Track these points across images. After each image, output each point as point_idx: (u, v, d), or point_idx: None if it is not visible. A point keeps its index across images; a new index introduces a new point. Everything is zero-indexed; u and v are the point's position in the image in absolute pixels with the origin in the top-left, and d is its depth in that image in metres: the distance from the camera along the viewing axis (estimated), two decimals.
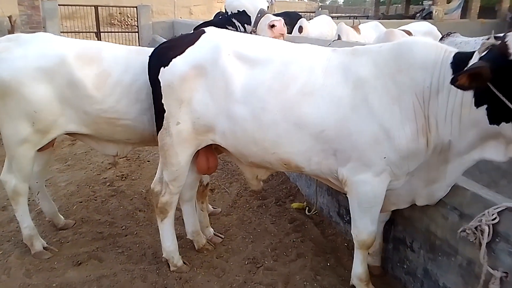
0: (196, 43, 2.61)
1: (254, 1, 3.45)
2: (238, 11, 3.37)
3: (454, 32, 7.30)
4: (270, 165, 2.69)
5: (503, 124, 1.95)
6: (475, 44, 6.55)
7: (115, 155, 3.31)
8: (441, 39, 7.29)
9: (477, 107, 2.02)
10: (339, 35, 7.57)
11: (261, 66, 2.51)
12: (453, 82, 1.89)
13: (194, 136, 2.69)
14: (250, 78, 2.49)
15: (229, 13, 3.45)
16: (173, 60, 2.58)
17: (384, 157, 2.27)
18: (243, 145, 2.60)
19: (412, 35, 5.92)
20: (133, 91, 2.95)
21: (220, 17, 3.45)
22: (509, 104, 1.85)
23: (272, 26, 3.29)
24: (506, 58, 1.80)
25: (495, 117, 1.97)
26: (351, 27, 8.02)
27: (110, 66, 2.96)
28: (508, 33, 1.84)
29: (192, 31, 3.11)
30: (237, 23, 3.49)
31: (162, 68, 2.60)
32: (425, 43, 2.26)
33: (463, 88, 1.90)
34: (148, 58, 2.82)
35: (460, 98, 2.07)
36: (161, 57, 2.66)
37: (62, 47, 2.91)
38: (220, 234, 3.57)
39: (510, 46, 1.80)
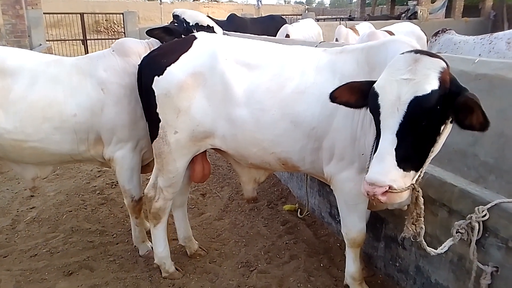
0: (189, 50, 2.57)
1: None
2: (208, 25, 3.29)
3: (449, 29, 7.26)
4: (269, 166, 2.71)
5: None
6: (474, 44, 6.57)
7: (34, 177, 3.03)
8: (435, 35, 7.24)
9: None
10: (336, 39, 7.49)
11: (258, 69, 2.52)
12: None
13: (192, 143, 2.67)
14: (249, 81, 2.50)
15: (190, 23, 3.33)
16: (168, 68, 2.53)
17: (362, 154, 2.30)
18: (243, 147, 2.61)
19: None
20: (40, 108, 2.68)
21: (176, 23, 3.32)
22: None
23: None
24: None
25: None
26: (350, 28, 7.98)
27: (13, 79, 2.66)
28: None
29: (148, 33, 3.08)
30: None
31: (156, 77, 2.55)
32: (403, 43, 2.24)
33: None
34: (60, 69, 2.69)
35: None
36: (153, 66, 2.60)
37: None
38: (213, 238, 3.56)
39: None
